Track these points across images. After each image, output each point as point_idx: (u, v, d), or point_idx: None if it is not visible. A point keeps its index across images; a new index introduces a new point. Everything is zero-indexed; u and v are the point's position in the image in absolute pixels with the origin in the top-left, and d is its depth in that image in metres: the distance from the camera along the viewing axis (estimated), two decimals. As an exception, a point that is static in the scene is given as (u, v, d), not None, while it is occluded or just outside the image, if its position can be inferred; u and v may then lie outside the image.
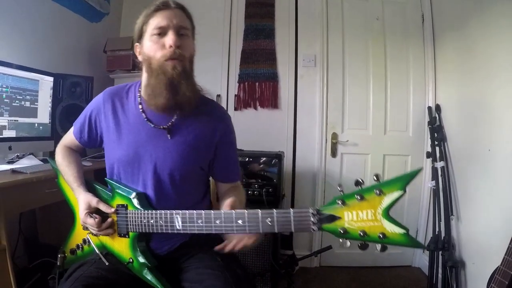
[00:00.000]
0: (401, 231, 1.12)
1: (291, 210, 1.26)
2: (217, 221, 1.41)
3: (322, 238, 4.27)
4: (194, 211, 1.48)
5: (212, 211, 1.44)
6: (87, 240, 1.80)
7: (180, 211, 1.50)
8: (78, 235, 1.85)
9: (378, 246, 1.18)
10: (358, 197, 1.17)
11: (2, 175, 2.36)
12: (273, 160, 3.41)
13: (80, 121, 1.93)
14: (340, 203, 1.20)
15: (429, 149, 3.90)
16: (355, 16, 4.27)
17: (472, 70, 3.37)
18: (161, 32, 1.61)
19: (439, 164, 3.64)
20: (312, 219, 1.23)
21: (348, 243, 1.23)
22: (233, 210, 1.41)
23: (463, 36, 3.52)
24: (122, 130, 1.76)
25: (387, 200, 1.13)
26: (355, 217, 1.18)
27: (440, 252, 3.48)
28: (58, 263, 1.85)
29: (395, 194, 1.12)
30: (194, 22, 1.76)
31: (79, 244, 1.85)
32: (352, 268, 4.21)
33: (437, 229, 3.58)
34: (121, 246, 1.68)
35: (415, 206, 4.16)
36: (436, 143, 3.76)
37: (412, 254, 4.32)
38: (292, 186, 4.27)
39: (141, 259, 1.63)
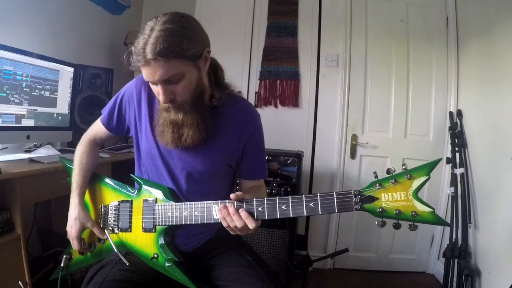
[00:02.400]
0: (429, 209, 1.28)
1: (334, 193, 1.38)
2: (260, 208, 1.46)
3: (337, 240, 4.25)
4: (234, 200, 1.49)
5: (254, 198, 1.48)
6: (102, 239, 1.78)
7: (218, 201, 1.53)
8: (91, 233, 1.80)
9: (409, 226, 1.33)
10: (392, 181, 1.32)
11: (20, 163, 2.37)
12: (292, 159, 3.39)
13: (109, 107, 1.90)
14: (377, 185, 1.34)
15: (449, 155, 3.84)
16: (379, 17, 4.23)
17: (496, 78, 3.31)
18: (152, 83, 1.52)
19: (459, 171, 3.59)
20: (354, 199, 1.35)
21: (380, 224, 1.37)
22: (276, 197, 1.44)
23: (488, 42, 3.47)
24: (155, 122, 1.73)
25: (416, 183, 1.30)
26: (391, 198, 1.32)
27: (456, 260, 3.44)
28: (61, 265, 1.84)
29: (422, 179, 1.29)
30: (190, 45, 1.46)
31: (92, 243, 1.81)
32: (365, 272, 4.20)
33: (454, 237, 3.53)
34: (145, 242, 1.68)
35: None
36: (456, 149, 3.71)
37: (427, 260, 4.28)
38: (310, 186, 4.24)
39: (168, 254, 1.62)
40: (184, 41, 1.43)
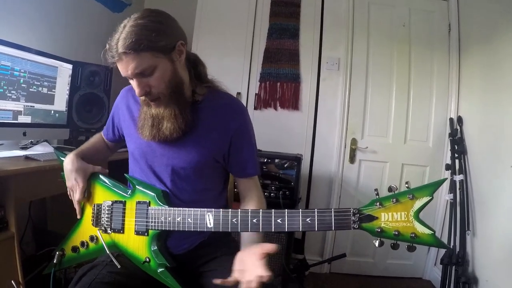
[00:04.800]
0: (429, 232, 1.25)
1: (333, 209, 1.35)
2: (254, 220, 1.44)
3: (334, 244, 4.23)
4: (229, 209, 1.49)
5: (249, 209, 1.47)
6: (95, 238, 1.76)
7: (212, 209, 1.51)
8: (84, 232, 1.80)
9: (407, 247, 1.32)
10: (394, 200, 1.29)
11: (15, 161, 2.34)
12: (290, 162, 3.37)
13: (107, 120, 2.05)
14: (378, 204, 1.31)
15: (449, 161, 3.84)
16: (381, 21, 4.22)
17: (498, 89, 3.32)
18: (128, 78, 1.57)
19: (458, 177, 3.58)
20: (352, 217, 1.32)
21: (377, 244, 1.34)
22: (272, 210, 1.43)
23: (491, 51, 3.47)
24: (137, 124, 1.77)
25: (418, 203, 1.27)
26: (391, 218, 1.30)
27: (454, 267, 3.42)
28: (54, 261, 1.81)
29: (425, 199, 1.26)
30: (160, 38, 1.52)
31: (84, 242, 1.79)
32: (362, 277, 4.19)
33: (452, 243, 3.52)
34: (137, 245, 1.65)
35: (430, 218, 4.06)
36: (456, 155, 3.71)
37: (423, 266, 4.28)
38: (308, 189, 4.23)
39: (160, 259, 1.60)
40: (153, 34, 1.49)
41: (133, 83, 1.55)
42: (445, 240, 3.73)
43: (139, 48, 1.45)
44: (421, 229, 1.26)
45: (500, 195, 3.10)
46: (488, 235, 3.22)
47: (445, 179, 1.36)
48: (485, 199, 3.32)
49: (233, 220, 1.46)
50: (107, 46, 1.52)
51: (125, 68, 1.49)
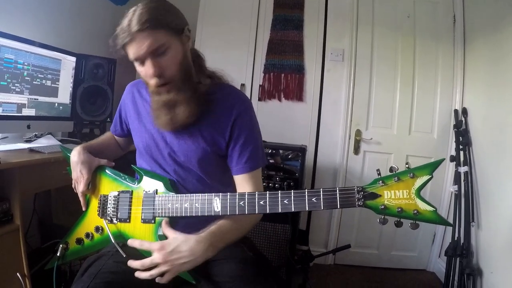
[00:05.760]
0: (431, 208, 1.28)
1: (337, 188, 1.36)
2: (261, 202, 1.44)
3: (338, 236, 4.24)
4: (236, 193, 1.51)
5: (256, 192, 1.47)
6: (100, 228, 1.76)
7: (219, 193, 1.52)
8: (89, 223, 1.80)
9: (410, 224, 1.34)
10: (395, 179, 1.32)
11: (20, 153, 2.35)
12: (294, 153, 3.36)
13: (114, 116, 2.08)
14: (380, 183, 1.34)
15: (453, 153, 3.81)
16: (386, 12, 4.19)
17: (503, 82, 3.28)
18: (140, 61, 1.54)
19: (463, 169, 3.57)
20: (357, 195, 1.34)
21: (381, 221, 1.38)
22: (279, 191, 1.43)
23: (496, 44, 3.43)
24: (141, 118, 1.85)
25: (419, 181, 1.30)
26: (393, 195, 1.32)
27: (458, 259, 3.41)
28: (58, 254, 1.81)
29: (425, 177, 1.29)
30: (172, 18, 1.56)
31: (89, 233, 1.78)
32: (366, 268, 4.19)
33: (456, 235, 3.50)
34: (144, 233, 1.65)
35: (434, 209, 4.03)
36: (460, 147, 3.69)
37: (428, 258, 4.28)
38: (312, 180, 4.23)
39: None
40: (166, 13, 1.53)
41: (146, 66, 1.53)
42: (449, 232, 3.74)
43: (154, 25, 1.46)
44: (423, 206, 1.29)
45: (505, 187, 3.08)
46: (493, 226, 3.20)
47: (443, 159, 1.38)
48: (490, 191, 3.30)
49: (240, 203, 1.47)
50: (117, 30, 1.52)
51: (139, 46, 1.48)
